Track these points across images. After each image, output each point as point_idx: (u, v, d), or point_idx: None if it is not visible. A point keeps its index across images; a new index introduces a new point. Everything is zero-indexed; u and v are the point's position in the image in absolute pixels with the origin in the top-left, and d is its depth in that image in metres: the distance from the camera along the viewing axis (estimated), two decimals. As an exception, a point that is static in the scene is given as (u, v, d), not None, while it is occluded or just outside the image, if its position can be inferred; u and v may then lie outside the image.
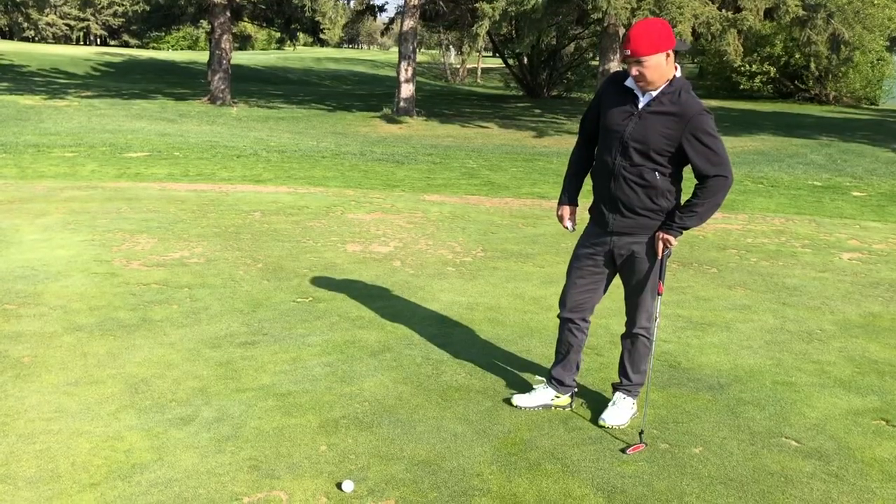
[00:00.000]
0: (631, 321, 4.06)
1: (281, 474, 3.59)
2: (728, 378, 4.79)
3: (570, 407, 4.24)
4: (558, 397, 4.22)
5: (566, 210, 4.11)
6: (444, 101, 28.56)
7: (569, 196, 4.08)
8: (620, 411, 4.12)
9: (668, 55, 3.47)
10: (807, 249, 8.27)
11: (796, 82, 33.60)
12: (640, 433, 3.88)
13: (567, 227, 4.13)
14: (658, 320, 4.03)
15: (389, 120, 23.51)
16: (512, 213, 9.76)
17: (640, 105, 3.61)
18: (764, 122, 24.43)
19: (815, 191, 12.29)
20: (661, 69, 3.48)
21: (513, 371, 4.76)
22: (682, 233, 3.78)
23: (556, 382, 4.21)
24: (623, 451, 3.79)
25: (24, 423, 3.99)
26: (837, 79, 33.11)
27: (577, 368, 4.26)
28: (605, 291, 4.11)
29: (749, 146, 19.11)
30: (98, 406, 4.21)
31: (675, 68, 3.57)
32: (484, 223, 8.97)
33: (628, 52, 3.48)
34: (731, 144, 19.39)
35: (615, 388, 4.24)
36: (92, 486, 3.46)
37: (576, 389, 4.29)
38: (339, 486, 3.49)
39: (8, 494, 3.38)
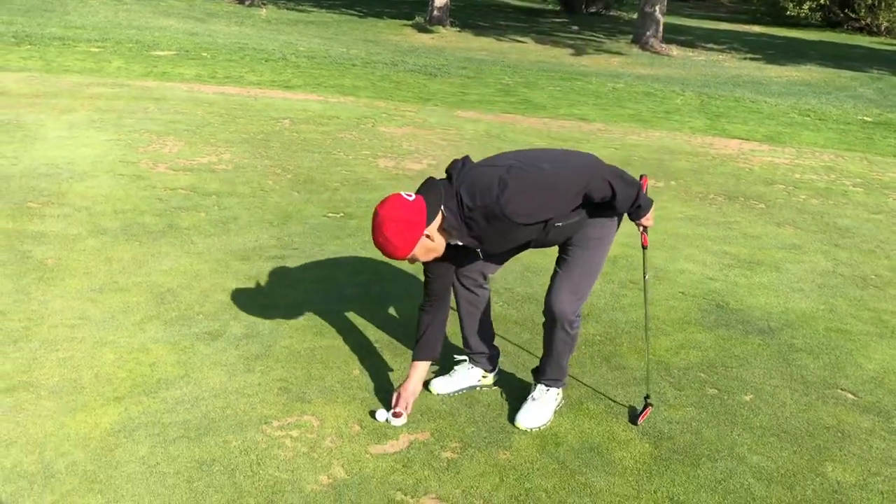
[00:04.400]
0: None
1: (312, 398, 3.43)
2: (779, 322, 4.55)
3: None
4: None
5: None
6: (478, 12, 27.58)
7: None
8: (541, 409, 3.38)
9: (426, 236, 2.89)
10: (858, 189, 7.89)
11: (846, 11, 32.09)
12: (646, 397, 3.53)
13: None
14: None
15: (421, 29, 22.77)
16: (551, 134, 9.39)
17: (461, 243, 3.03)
18: (810, 51, 23.43)
19: (866, 127, 11.75)
20: (426, 245, 2.94)
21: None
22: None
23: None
24: (633, 422, 3.43)
25: (48, 329, 3.85)
26: (891, 8, 31.60)
27: None
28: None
29: (794, 76, 18.35)
30: (123, 315, 4.05)
31: (441, 218, 2.93)
32: (521, 144, 8.63)
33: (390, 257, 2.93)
34: (777, 73, 18.66)
35: (535, 378, 3.50)
36: (116, 399, 3.32)
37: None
38: (372, 414, 3.32)
39: (30, 403, 3.25)
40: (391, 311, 4.32)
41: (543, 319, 3.28)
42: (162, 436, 3.10)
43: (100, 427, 3.13)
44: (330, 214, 5.82)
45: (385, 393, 3.50)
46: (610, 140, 9.27)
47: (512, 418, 3.37)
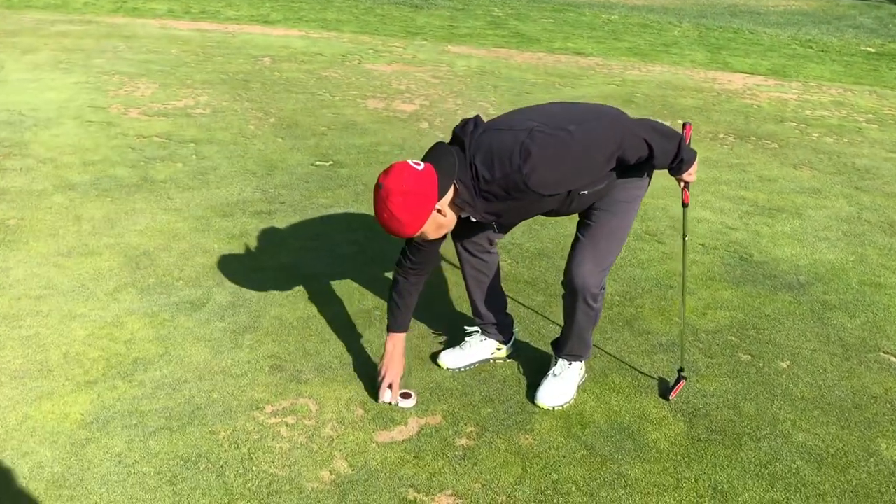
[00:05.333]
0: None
1: (308, 377, 3.07)
2: (808, 276, 4.22)
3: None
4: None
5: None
6: (462, -58, 26.53)
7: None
8: (563, 386, 3.04)
9: (437, 211, 2.49)
10: (872, 125, 7.51)
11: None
12: (679, 370, 3.20)
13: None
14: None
15: (405, -40, 21.81)
16: (547, 70, 8.89)
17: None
18: (806, -22, 22.73)
19: (870, 58, 11.31)
20: (437, 221, 2.54)
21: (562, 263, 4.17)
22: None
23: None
24: (665, 397, 3.11)
25: (9, 302, 3.45)
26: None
27: None
28: None
29: (792, 5, 17.77)
30: (94, 283, 3.65)
31: (454, 191, 2.53)
32: (517, 81, 8.15)
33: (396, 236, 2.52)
34: (773, 2, 18.05)
35: (553, 351, 3.16)
36: (87, 384, 2.95)
37: None
38: (376, 394, 2.97)
39: (-10, 390, 2.88)
40: (390, 272, 3.94)
41: (563, 291, 2.92)
42: (140, 427, 2.74)
43: (69, 418, 2.76)
44: (318, 163, 5.39)
45: (389, 369, 3.14)
46: (610, 76, 8.80)
47: (532, 396, 3.03)
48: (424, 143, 5.97)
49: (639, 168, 2.68)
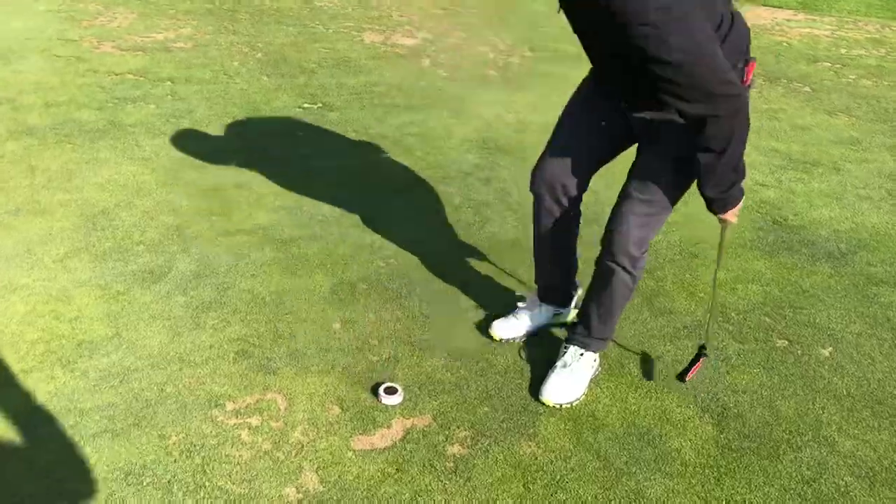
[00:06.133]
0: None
1: (279, 366, 2.66)
2: (849, 243, 3.75)
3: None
4: None
5: None
6: None
7: None
8: (573, 380, 2.62)
9: None
10: (913, 66, 6.91)
11: None
12: (702, 347, 2.77)
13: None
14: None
15: None
16: (560, 1, 8.24)
17: None
18: None
19: (908, -9, 10.54)
20: None
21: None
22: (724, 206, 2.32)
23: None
24: (681, 379, 2.72)
25: (-58, 271, 3.03)
26: None
27: None
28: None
29: (821, -68, 16.73)
30: (42, 247, 3.22)
31: None
32: (528, 13, 7.53)
33: None
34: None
35: (567, 337, 2.75)
36: (22, 374, 2.54)
37: None
38: (376, 389, 2.57)
39: None
40: (378, 237, 3.49)
41: (597, 255, 2.51)
42: (77, 430, 2.34)
43: (-6, 419, 2.36)
44: (306, 105, 4.88)
45: (376, 357, 2.73)
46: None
47: (536, 391, 2.62)
48: (425, 83, 5.45)
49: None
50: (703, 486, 2.31)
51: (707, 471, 2.37)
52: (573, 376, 2.63)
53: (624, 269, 2.45)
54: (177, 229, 3.42)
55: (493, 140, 4.58)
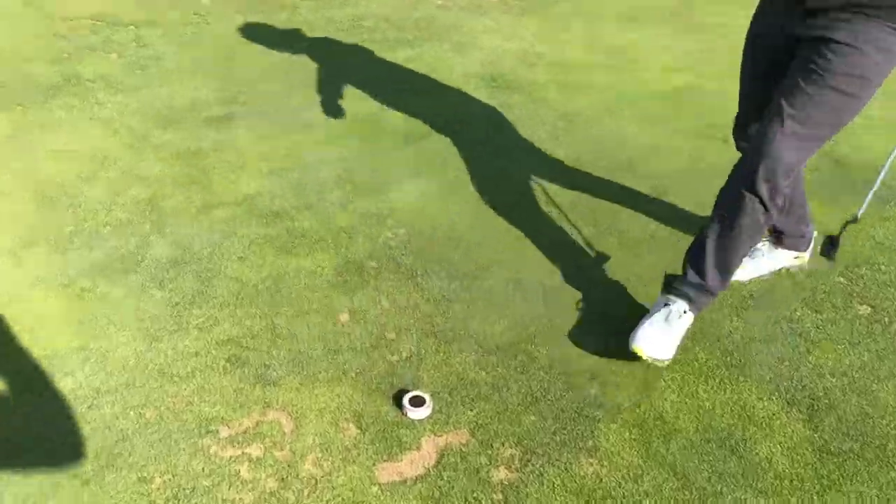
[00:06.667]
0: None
1: (280, 375, 2.21)
2: (920, 180, 3.29)
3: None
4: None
5: None
6: None
7: None
8: (667, 334, 2.24)
9: None
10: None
11: None
12: (848, 223, 2.22)
13: None
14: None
15: None
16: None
17: None
18: None
19: None
20: None
21: (616, 189, 3.23)
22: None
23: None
24: (828, 255, 2.26)
25: None
26: None
27: None
28: None
29: None
30: (-10, 237, 2.73)
31: None
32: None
33: None
34: None
35: (667, 288, 2.34)
36: (-32, 404, 2.09)
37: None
38: (399, 398, 2.14)
39: None
40: (394, 199, 3.01)
41: (726, 182, 2.17)
42: (35, 476, 1.90)
43: (-65, 467, 1.92)
44: (290, 46, 4.31)
45: (395, 355, 2.29)
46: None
47: (627, 340, 2.22)
48: (419, 15, 4.87)
49: None
50: (805, 506, 1.90)
51: (807, 484, 1.96)
52: (672, 332, 2.24)
53: (761, 200, 2.07)
54: (149, 204, 2.93)
55: (501, 76, 4.05)
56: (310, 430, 2.05)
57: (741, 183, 2.09)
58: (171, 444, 1.99)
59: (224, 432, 2.04)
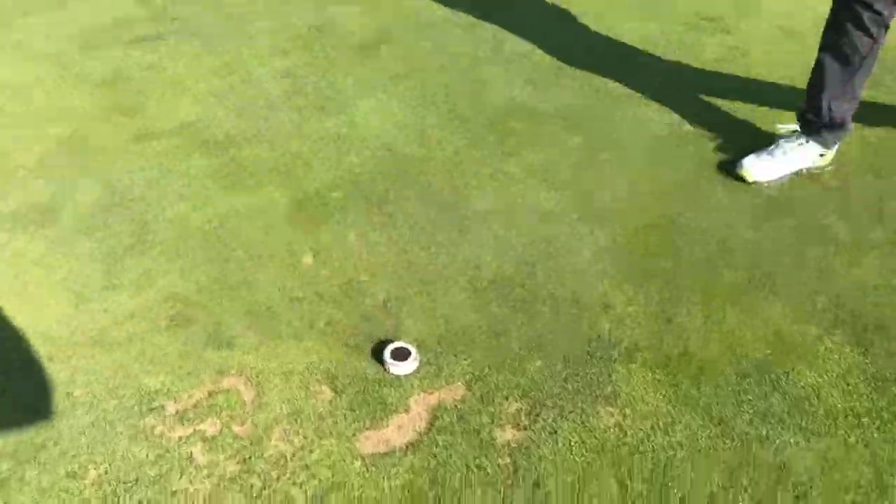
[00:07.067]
0: None
1: (234, 333, 1.86)
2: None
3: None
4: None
5: None
6: None
7: None
8: (782, 161, 2.33)
9: None
10: None
11: None
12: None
13: None
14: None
15: None
16: None
17: None
18: None
19: None
20: None
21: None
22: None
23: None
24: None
25: None
26: None
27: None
28: None
29: None
30: None
31: None
32: None
33: None
34: None
35: (800, 120, 2.39)
36: None
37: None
38: (380, 352, 1.80)
39: None
40: (355, 117, 2.62)
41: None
42: (-57, 480, 1.55)
43: None
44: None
45: (369, 300, 1.94)
46: None
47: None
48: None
49: None
50: (866, 447, 1.61)
51: (864, 420, 1.67)
52: (784, 158, 2.32)
53: (874, 11, 2.04)
54: (71, 140, 2.51)
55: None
56: (274, 398, 1.71)
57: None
58: (106, 427, 1.65)
59: (171, 408, 1.69)
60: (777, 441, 1.62)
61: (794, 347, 1.83)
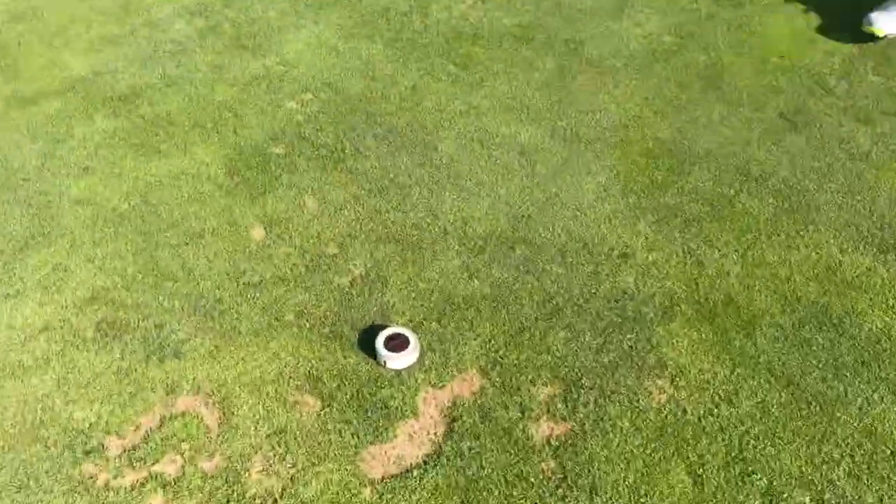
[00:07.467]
0: None
1: (182, 338, 1.49)
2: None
3: None
4: None
5: None
6: None
7: None
8: None
9: None
10: None
11: None
12: None
13: None
14: None
15: None
16: None
17: None
18: None
19: None
20: None
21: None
22: None
23: None
24: None
25: None
26: None
27: None
28: None
29: None
30: None
31: None
32: None
33: None
34: None
35: None
36: None
37: None
38: (370, 342, 1.45)
39: None
40: (288, 53, 2.20)
41: None
42: None
43: None
44: None
45: (344, 277, 1.58)
46: None
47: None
48: None
49: None
50: None
51: None
52: None
53: None
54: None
55: None
56: (246, 419, 1.35)
57: None
58: (29, 483, 1.26)
59: (114, 446, 1.31)
60: (858, 400, 1.37)
61: (849, 282, 1.57)
